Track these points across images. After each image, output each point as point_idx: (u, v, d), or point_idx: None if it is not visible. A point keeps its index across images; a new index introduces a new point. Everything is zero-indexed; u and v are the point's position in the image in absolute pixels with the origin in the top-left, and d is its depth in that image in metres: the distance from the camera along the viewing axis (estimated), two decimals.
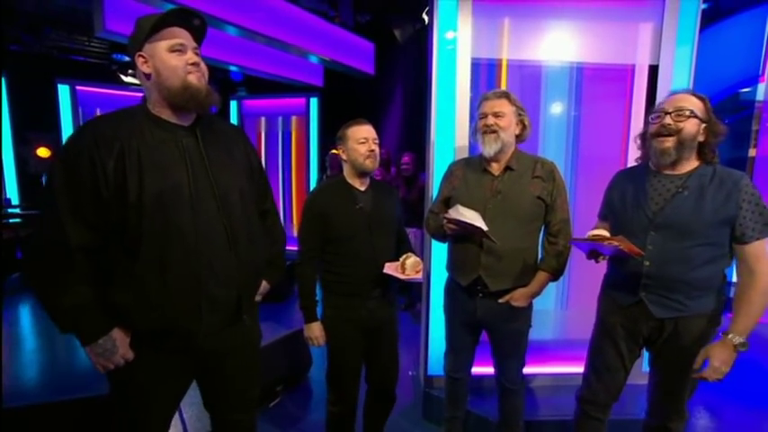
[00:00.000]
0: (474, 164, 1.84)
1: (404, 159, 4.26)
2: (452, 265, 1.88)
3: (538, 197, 1.71)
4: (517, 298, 1.74)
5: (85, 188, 1.13)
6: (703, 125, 1.49)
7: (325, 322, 1.81)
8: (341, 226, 1.75)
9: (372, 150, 1.75)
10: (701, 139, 1.50)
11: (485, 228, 1.60)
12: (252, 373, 1.48)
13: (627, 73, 2.37)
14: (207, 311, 1.26)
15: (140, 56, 1.22)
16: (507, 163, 1.75)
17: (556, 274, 1.77)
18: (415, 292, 4.37)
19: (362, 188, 1.82)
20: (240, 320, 1.36)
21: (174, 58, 1.21)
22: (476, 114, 1.79)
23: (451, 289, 1.90)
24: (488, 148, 1.70)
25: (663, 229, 1.50)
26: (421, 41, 5.13)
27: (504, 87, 2.31)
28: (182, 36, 1.23)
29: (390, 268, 1.73)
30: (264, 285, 1.51)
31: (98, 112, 6.30)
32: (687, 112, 1.47)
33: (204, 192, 1.24)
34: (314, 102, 5.99)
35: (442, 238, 1.87)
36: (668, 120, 1.48)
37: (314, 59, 4.87)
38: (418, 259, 1.74)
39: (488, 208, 1.70)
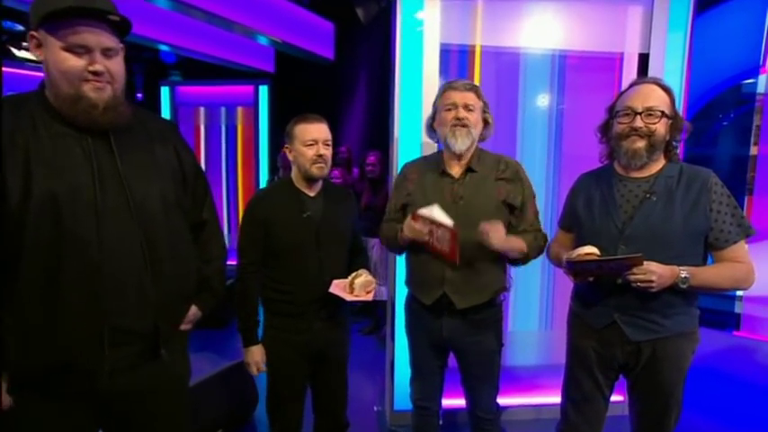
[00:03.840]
0: (431, 165, 1.87)
1: (369, 159, 4.29)
2: (413, 282, 1.92)
3: (504, 201, 1.77)
4: (493, 235, 1.62)
5: None
6: (669, 122, 1.59)
7: (266, 345, 1.83)
8: (285, 236, 1.76)
9: (321, 155, 1.76)
10: (666, 138, 1.60)
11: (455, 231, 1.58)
12: (177, 418, 1.43)
13: (615, 62, 2.49)
14: (110, 344, 1.20)
15: (33, 36, 1.15)
16: (469, 164, 1.80)
17: (529, 256, 1.78)
18: (381, 313, 4.38)
19: (312, 193, 1.83)
20: (158, 356, 1.31)
21: (70, 59, 1.13)
22: (437, 104, 1.83)
23: (413, 307, 1.94)
24: (460, 144, 1.74)
25: (633, 242, 1.56)
26: (387, 23, 5.19)
27: (477, 77, 2.39)
28: (87, 35, 1.13)
29: (338, 287, 1.76)
30: (195, 312, 1.48)
31: None
32: (658, 113, 1.55)
33: (114, 199, 1.20)
34: (263, 90, 5.96)
35: (398, 249, 1.91)
36: (639, 122, 1.56)
37: (263, 41, 4.85)
38: (370, 278, 1.76)
39: (449, 216, 1.72)
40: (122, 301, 1.21)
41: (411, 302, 1.95)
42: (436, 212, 1.64)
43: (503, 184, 1.78)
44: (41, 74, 1.21)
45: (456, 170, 1.80)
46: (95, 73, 1.16)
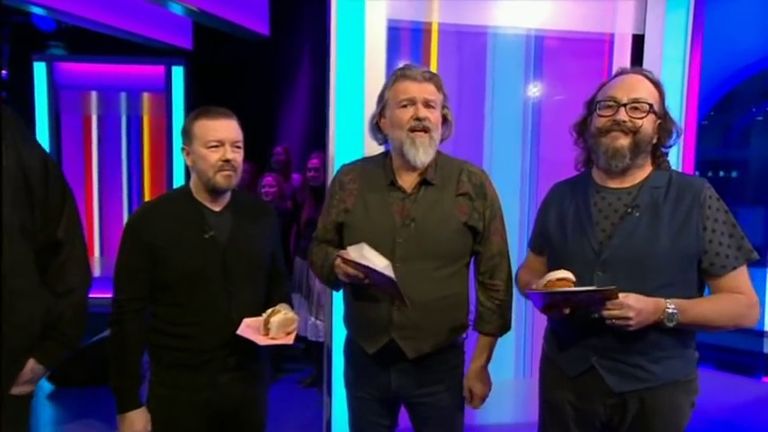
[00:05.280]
0: (375, 173, 1.88)
1: (311, 162, 4.31)
2: (353, 324, 1.93)
3: (465, 224, 1.80)
4: (476, 393, 1.88)
5: None
6: (658, 122, 1.67)
7: (153, 408, 1.79)
8: (180, 263, 1.75)
9: (228, 161, 1.75)
10: (653, 140, 1.68)
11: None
12: None
13: (603, 44, 2.61)
14: None
15: None
16: (424, 173, 1.82)
17: (504, 331, 1.92)
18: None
19: (217, 207, 1.83)
20: None
21: None
22: (385, 97, 1.83)
23: (354, 353, 1.94)
24: (423, 155, 1.76)
25: (612, 268, 1.62)
26: None
27: (434, 63, 2.46)
28: None
29: (249, 327, 1.74)
30: (32, 368, 1.44)
31: None
32: (646, 106, 1.63)
33: None
34: (178, 72, 5.91)
35: (333, 283, 1.90)
36: (623, 114, 1.63)
37: (176, 9, 4.82)
38: (291, 315, 1.77)
39: (398, 243, 1.75)
40: None
41: (351, 346, 1.96)
42: (367, 253, 1.64)
43: (464, 200, 1.81)
44: None
45: (408, 182, 1.82)
46: None
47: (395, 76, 1.82)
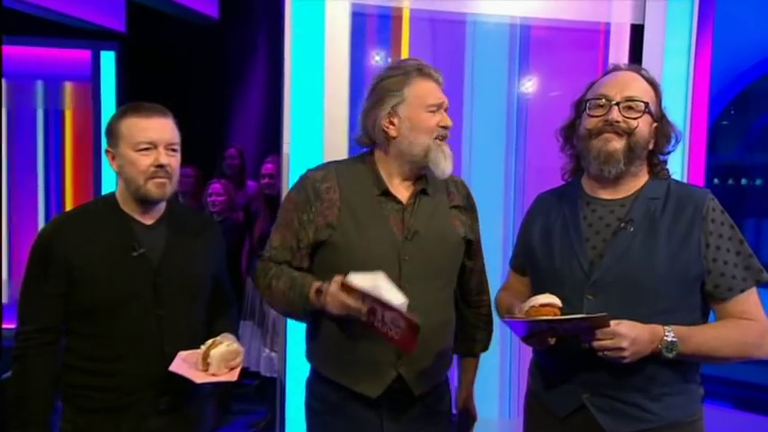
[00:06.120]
0: (359, 180, 1.86)
1: (265, 167, 4.34)
2: (337, 362, 1.84)
3: (464, 238, 1.89)
4: (473, 416, 2.06)
5: None
6: (654, 125, 1.72)
7: None
8: (102, 287, 1.74)
9: (162, 166, 1.74)
10: (650, 145, 1.73)
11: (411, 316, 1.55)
12: None
13: (598, 35, 2.68)
14: None
15: None
16: (422, 183, 1.86)
17: (487, 347, 2.07)
18: None
19: (148, 221, 1.84)
20: None
21: None
22: (404, 95, 1.79)
23: (331, 402, 1.86)
24: (449, 167, 1.82)
25: (604, 291, 1.65)
26: None
27: (405, 53, 2.50)
28: None
29: (186, 362, 1.73)
30: None
31: None
32: (641, 106, 1.68)
33: None
34: (108, 58, 5.84)
35: (301, 315, 1.84)
36: (616, 114, 1.66)
37: None
38: (235, 348, 1.76)
39: (404, 260, 1.77)
40: None
41: (322, 392, 1.89)
42: (382, 285, 1.59)
43: (457, 213, 1.90)
44: None
45: (404, 193, 1.85)
46: None
47: (415, 71, 1.81)
